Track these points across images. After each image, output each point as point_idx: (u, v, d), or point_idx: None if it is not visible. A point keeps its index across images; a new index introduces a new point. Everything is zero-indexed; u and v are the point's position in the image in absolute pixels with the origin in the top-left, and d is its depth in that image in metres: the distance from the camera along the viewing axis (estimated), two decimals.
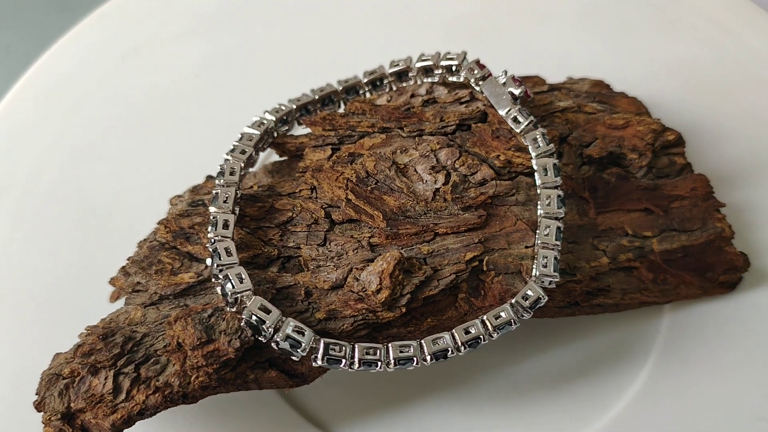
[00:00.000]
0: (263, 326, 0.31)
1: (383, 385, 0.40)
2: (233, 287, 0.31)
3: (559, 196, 0.35)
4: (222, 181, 0.36)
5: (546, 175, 0.36)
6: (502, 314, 0.33)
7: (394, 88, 0.43)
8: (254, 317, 0.31)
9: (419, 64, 0.42)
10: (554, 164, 0.36)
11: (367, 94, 0.43)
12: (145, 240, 0.37)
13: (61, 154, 0.48)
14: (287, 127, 0.42)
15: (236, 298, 0.32)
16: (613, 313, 0.40)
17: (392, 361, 0.32)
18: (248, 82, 0.51)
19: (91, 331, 0.34)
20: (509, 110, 0.38)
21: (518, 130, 0.37)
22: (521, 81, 0.39)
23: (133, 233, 0.42)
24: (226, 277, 0.32)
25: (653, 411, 0.38)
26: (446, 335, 0.33)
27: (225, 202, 0.35)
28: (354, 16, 0.54)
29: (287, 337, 0.31)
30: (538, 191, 0.36)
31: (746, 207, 0.43)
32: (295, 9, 0.54)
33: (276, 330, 0.31)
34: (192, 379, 0.32)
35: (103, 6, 0.54)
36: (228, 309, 0.32)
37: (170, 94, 0.51)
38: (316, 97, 0.42)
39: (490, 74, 0.40)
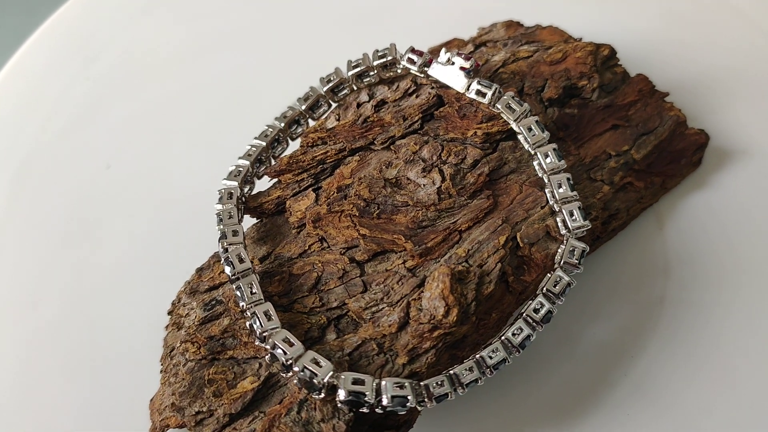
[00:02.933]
0: (364, 399, 0.29)
1: None
2: (318, 375, 0.30)
3: (554, 149, 0.36)
4: (234, 272, 0.33)
5: (534, 134, 0.36)
6: (559, 279, 0.34)
7: (333, 105, 0.41)
8: (353, 401, 0.29)
9: (351, 72, 0.40)
10: (536, 121, 0.36)
11: (310, 121, 0.41)
12: (173, 366, 0.34)
13: None
14: (249, 187, 0.39)
15: (323, 384, 0.30)
16: (620, 231, 0.42)
17: (489, 369, 0.32)
18: (166, 157, 0.47)
19: None
20: (469, 85, 0.37)
21: (486, 101, 0.37)
22: (467, 54, 0.38)
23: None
24: (303, 368, 0.30)
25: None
26: (521, 323, 0.33)
27: (253, 293, 0.32)
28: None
29: (393, 398, 0.30)
30: (532, 151, 0.36)
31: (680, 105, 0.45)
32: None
33: (377, 394, 0.30)
34: None
35: None
36: (315, 397, 0.30)
37: (83, 194, 0.46)
38: (264, 144, 0.39)
39: (431, 58, 0.39)
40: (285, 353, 0.30)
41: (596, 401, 0.38)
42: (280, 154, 0.41)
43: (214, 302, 0.35)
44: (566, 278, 0.34)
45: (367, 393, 0.29)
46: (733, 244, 0.42)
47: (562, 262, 0.34)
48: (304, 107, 0.40)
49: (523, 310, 0.34)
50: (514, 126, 0.37)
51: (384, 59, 0.39)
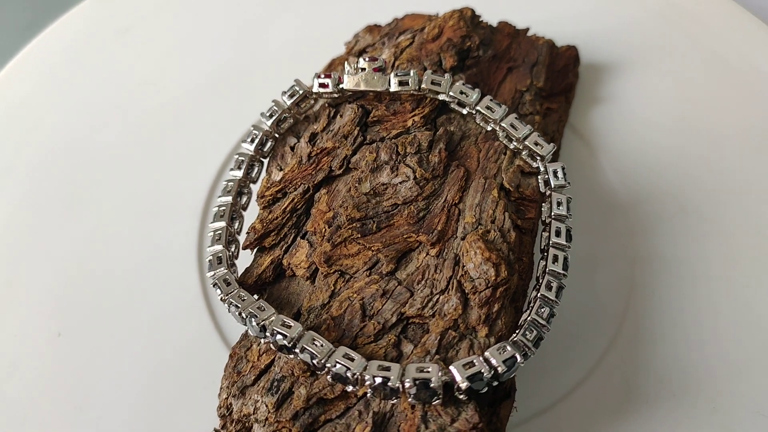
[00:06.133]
0: (482, 377, 0.29)
1: None
2: (431, 380, 0.29)
3: (491, 100, 0.38)
4: (290, 339, 0.31)
5: (468, 96, 0.38)
6: (560, 200, 0.36)
7: (265, 163, 0.41)
8: (474, 383, 0.29)
9: (270, 121, 0.40)
10: (463, 83, 0.39)
11: (252, 186, 0.40)
12: None
13: None
14: (233, 270, 0.37)
15: (440, 386, 0.29)
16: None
17: (554, 302, 0.33)
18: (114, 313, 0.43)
19: None
20: (389, 82, 0.39)
21: (411, 88, 0.39)
22: (371, 56, 0.40)
23: None
24: (414, 381, 0.29)
25: None
26: (553, 251, 0.35)
27: (321, 345, 0.31)
28: None
29: (505, 362, 0.30)
30: (473, 111, 0.39)
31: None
32: None
33: (493, 370, 0.30)
34: None
35: None
36: (434, 404, 0.30)
37: (38, 366, 0.41)
38: (225, 224, 0.38)
39: (340, 75, 0.40)
40: (389, 379, 0.29)
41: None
42: (239, 230, 0.39)
43: (276, 382, 0.32)
44: (564, 196, 0.36)
45: (483, 371, 0.29)
46: (631, 131, 0.48)
47: (553, 186, 0.37)
48: (241, 174, 0.39)
49: (544, 243, 0.36)
50: (445, 97, 0.39)
51: (296, 96, 0.40)
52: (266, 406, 0.32)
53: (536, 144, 0.37)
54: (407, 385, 0.29)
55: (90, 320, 0.42)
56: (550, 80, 0.46)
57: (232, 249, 0.38)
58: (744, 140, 0.47)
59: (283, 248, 0.37)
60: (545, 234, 0.36)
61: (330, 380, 0.31)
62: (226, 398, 0.34)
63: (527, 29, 0.48)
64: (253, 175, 0.40)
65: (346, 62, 0.40)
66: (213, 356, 0.40)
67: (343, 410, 0.31)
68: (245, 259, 0.38)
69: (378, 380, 0.29)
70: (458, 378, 0.29)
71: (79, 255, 0.44)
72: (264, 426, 0.32)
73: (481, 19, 0.46)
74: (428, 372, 0.29)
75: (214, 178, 0.48)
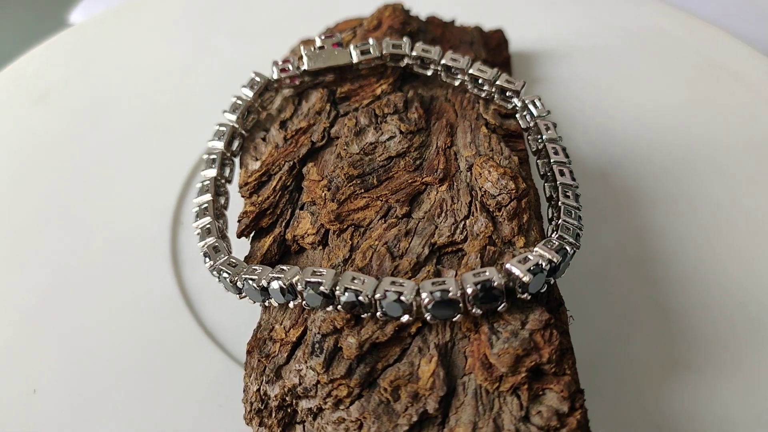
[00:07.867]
0: (545, 271, 0.28)
1: None
2: (493, 280, 0.27)
3: (452, 51, 0.39)
4: (326, 285, 0.28)
5: (431, 53, 0.39)
6: (547, 125, 0.36)
7: (237, 162, 0.39)
8: (535, 276, 0.27)
9: (235, 116, 0.38)
10: (422, 42, 0.39)
11: (228, 186, 0.38)
12: (334, 426, 0.27)
13: None
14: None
15: (503, 286, 0.27)
16: None
17: (575, 209, 0.33)
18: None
19: None
20: (350, 55, 0.39)
21: (373, 57, 0.39)
22: (327, 34, 0.39)
23: None
24: (475, 285, 0.27)
25: None
26: (556, 168, 0.35)
27: (363, 282, 0.28)
28: None
29: (558, 252, 0.28)
30: (438, 69, 0.39)
31: None
32: None
33: (551, 263, 0.28)
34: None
35: None
36: (500, 310, 0.28)
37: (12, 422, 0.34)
38: (211, 219, 0.35)
39: (299, 57, 0.39)
40: (449, 291, 0.27)
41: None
42: (225, 227, 0.36)
43: (317, 344, 0.29)
44: (549, 121, 0.37)
45: (541, 262, 0.28)
46: (579, 105, 0.51)
47: (535, 115, 0.37)
48: (215, 172, 0.37)
49: (544, 168, 0.36)
50: (408, 60, 0.39)
51: (258, 85, 0.38)
52: (313, 370, 0.28)
53: (508, 81, 0.38)
54: (469, 291, 0.27)
55: (68, 372, 0.36)
56: (490, 55, 0.47)
57: (226, 243, 0.35)
58: (678, 100, 0.51)
59: (283, 224, 0.34)
60: (541, 161, 0.36)
61: (380, 318, 0.28)
62: (258, 390, 0.30)
63: (454, 20, 0.50)
64: (227, 175, 0.38)
65: (302, 47, 0.40)
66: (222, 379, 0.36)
67: (399, 353, 0.28)
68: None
69: (437, 295, 0.27)
70: (519, 272, 0.27)
71: (43, 305, 0.39)
72: (315, 394, 0.28)
73: (411, 13, 0.48)
74: (486, 274, 0.27)
75: (172, 215, 0.45)
